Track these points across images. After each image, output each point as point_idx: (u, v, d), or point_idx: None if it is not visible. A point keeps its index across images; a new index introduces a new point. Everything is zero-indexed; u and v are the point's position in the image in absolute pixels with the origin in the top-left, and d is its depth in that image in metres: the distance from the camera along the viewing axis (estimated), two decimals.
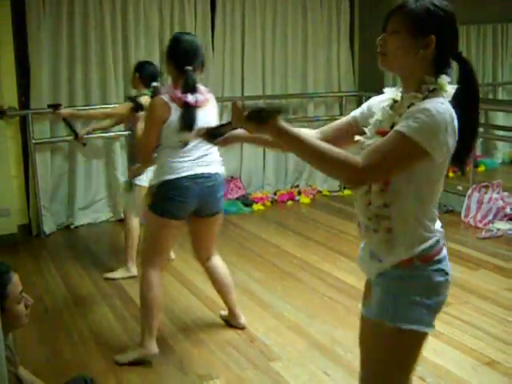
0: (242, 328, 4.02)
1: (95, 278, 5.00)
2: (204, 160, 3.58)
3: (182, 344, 3.83)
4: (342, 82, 7.78)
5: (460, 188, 6.88)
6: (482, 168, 7.62)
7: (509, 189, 6.37)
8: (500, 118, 7.44)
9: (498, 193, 6.31)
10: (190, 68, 3.50)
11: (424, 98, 1.92)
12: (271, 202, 7.21)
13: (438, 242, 2.12)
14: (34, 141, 6.02)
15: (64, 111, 5.32)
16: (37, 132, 6.08)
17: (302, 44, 7.49)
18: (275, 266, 5.18)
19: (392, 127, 1.92)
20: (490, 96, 7.75)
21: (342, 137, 2.22)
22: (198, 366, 3.54)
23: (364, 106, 2.22)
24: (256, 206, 6.99)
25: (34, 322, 4.06)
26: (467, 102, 1.99)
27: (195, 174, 3.51)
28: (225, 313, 4.12)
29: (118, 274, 4.98)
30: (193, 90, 3.50)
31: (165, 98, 3.48)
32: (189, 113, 3.45)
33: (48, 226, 6.21)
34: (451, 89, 1.97)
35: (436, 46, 1.96)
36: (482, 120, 7.26)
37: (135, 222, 4.94)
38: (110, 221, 6.60)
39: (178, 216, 3.56)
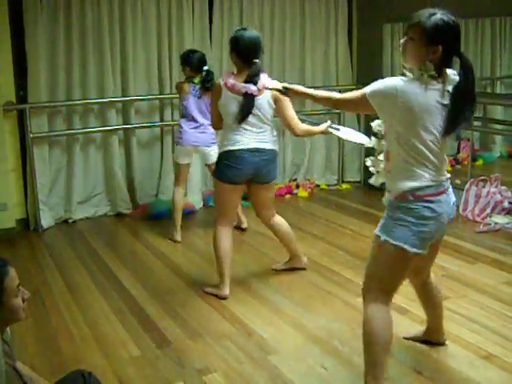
0: (304, 268, 4.88)
1: (93, 271, 5.01)
2: (260, 138, 4.31)
3: (179, 338, 3.83)
4: (339, 75, 7.77)
5: (458, 182, 6.88)
6: (479, 162, 7.63)
7: (507, 183, 6.38)
8: (498, 112, 7.45)
9: (495, 187, 6.33)
10: (256, 61, 4.20)
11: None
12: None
13: (430, 186, 2.84)
14: (31, 135, 6.00)
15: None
16: (34, 126, 6.06)
17: (300, 38, 7.47)
18: (272, 260, 5.18)
19: None
20: (489, 90, 7.76)
21: None
22: (196, 360, 3.55)
23: None
24: None
25: (32, 316, 4.08)
26: (466, 88, 2.76)
27: (253, 148, 4.28)
28: (280, 264, 4.96)
29: None
30: (256, 80, 4.18)
31: (221, 82, 4.26)
32: (248, 101, 4.18)
33: (46, 221, 6.21)
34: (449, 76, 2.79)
35: (442, 52, 2.72)
36: (480, 114, 7.28)
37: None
38: (108, 215, 6.60)
39: (234, 181, 4.31)
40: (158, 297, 4.47)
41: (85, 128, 6.42)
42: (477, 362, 3.47)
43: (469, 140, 7.11)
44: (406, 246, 2.85)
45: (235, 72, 4.29)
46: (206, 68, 5.62)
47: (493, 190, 6.28)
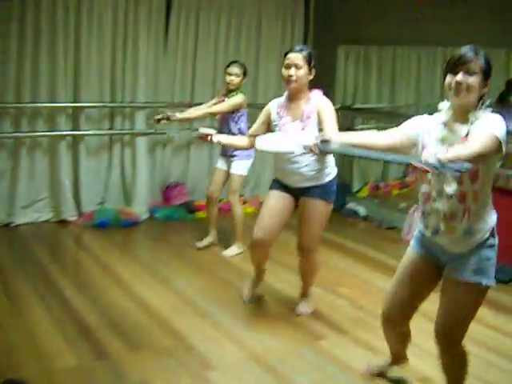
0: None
1: (33, 278, 4.92)
2: None
3: (118, 349, 3.79)
4: None
5: (403, 206, 7.02)
6: None
7: None
8: None
9: None
10: None
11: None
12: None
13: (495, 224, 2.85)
14: None
15: (179, 116, 5.67)
16: None
17: (255, 57, 7.54)
18: (216, 275, 5.19)
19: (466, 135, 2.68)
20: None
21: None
22: (134, 373, 3.52)
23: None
24: (199, 214, 6.97)
25: None
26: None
27: None
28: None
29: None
30: None
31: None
32: None
33: None
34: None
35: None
36: None
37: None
38: (50, 221, 6.50)
39: None
40: (98, 308, 4.41)
41: (32, 132, 6.33)
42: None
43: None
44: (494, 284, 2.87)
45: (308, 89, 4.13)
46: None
47: None
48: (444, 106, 2.84)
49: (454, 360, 3.08)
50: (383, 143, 2.93)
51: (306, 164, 4.06)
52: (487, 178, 2.74)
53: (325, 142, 2.93)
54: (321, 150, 2.96)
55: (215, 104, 5.72)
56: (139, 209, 6.72)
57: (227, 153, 5.65)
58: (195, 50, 7.13)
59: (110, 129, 6.74)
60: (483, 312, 4.60)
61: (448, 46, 6.92)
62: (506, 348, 4.08)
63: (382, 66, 7.88)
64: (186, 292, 4.78)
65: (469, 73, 2.66)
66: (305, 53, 4.05)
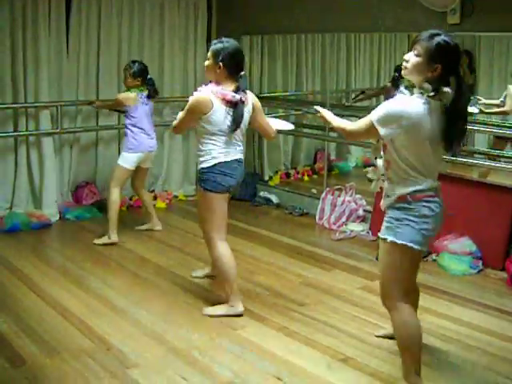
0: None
1: None
2: (241, 148, 4.36)
3: (35, 356, 3.72)
4: (198, 86, 7.81)
5: (314, 191, 7.15)
6: (335, 172, 7.93)
7: (361, 191, 6.67)
8: None
9: (350, 195, 6.61)
10: (243, 73, 4.24)
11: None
12: (127, 208, 7.15)
13: (423, 190, 3.07)
14: None
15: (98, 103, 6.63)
16: None
17: (159, 50, 7.49)
18: (130, 272, 5.16)
19: None
20: (344, 102, 8.08)
21: None
22: (53, 378, 3.46)
23: None
24: None
25: None
26: (461, 106, 3.01)
27: (239, 158, 4.34)
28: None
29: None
30: (244, 91, 4.21)
31: (210, 95, 4.15)
32: (239, 111, 4.15)
33: None
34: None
35: (441, 71, 2.96)
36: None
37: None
38: None
39: (230, 190, 4.30)
40: (12, 314, 4.30)
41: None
42: (334, 365, 3.63)
43: (325, 150, 7.38)
44: (411, 245, 3.07)
45: (218, 84, 4.20)
46: (149, 76, 6.06)
47: (348, 198, 6.56)
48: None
49: (394, 326, 3.30)
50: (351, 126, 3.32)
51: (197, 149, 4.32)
52: (394, 152, 3.09)
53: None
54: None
55: None
56: (49, 211, 6.58)
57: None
58: (98, 46, 7.00)
59: (14, 131, 6.55)
60: None
61: (351, 33, 7.15)
62: None
63: (287, 55, 7.97)
64: (102, 291, 4.73)
65: (414, 53, 2.99)
66: (210, 47, 4.27)
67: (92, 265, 5.29)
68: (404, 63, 3.04)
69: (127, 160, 5.91)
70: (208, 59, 4.22)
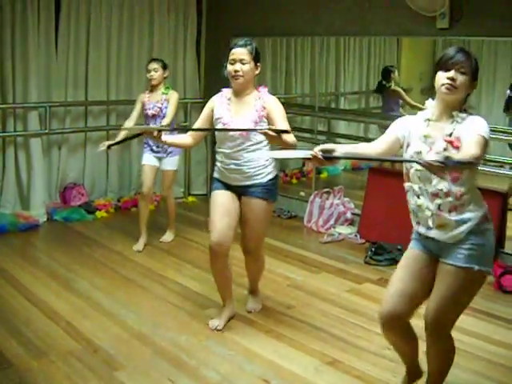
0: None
1: None
2: None
3: (21, 358, 3.70)
4: (187, 89, 7.85)
5: (302, 194, 7.16)
6: (324, 175, 7.92)
7: (350, 194, 6.70)
8: (342, 127, 7.77)
9: (339, 198, 6.62)
10: None
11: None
12: (115, 209, 7.14)
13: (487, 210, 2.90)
14: None
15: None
16: None
17: (148, 51, 7.47)
18: (118, 274, 5.15)
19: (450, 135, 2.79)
20: (333, 105, 8.08)
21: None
22: (40, 381, 3.44)
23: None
24: (99, 214, 6.89)
25: None
26: None
27: None
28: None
29: None
30: None
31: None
32: None
33: None
34: None
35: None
36: (325, 128, 7.60)
37: None
38: None
39: None
40: None
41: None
42: (322, 368, 3.64)
43: None
44: (491, 270, 2.92)
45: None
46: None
47: (336, 201, 6.58)
48: (430, 103, 2.94)
49: (440, 351, 3.07)
50: (377, 151, 2.99)
51: (246, 160, 3.96)
52: (472, 177, 2.86)
53: (327, 151, 2.86)
54: (325, 158, 2.91)
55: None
56: (37, 212, 6.56)
57: (162, 150, 5.75)
58: (87, 47, 6.99)
59: (2, 131, 6.52)
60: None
61: (341, 36, 7.16)
62: None
63: (277, 58, 7.97)
64: (90, 293, 4.72)
65: (460, 72, 2.79)
66: (249, 47, 3.96)
67: (80, 266, 5.27)
68: (449, 82, 2.78)
69: (177, 163, 5.95)
70: (246, 62, 3.93)
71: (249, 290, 4.55)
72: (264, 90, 4.02)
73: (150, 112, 5.72)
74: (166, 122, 5.57)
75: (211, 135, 6.91)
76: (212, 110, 4.07)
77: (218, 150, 4.06)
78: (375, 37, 6.79)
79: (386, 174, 6.15)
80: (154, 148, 5.75)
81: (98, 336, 3.99)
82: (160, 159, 5.80)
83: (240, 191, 4.05)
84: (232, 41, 7.47)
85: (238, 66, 3.89)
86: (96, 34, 7.00)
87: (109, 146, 5.37)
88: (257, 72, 3.98)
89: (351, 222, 6.52)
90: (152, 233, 6.07)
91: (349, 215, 6.53)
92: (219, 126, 3.98)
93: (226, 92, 4.08)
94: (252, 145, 3.92)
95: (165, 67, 5.79)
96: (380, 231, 5.90)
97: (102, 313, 4.38)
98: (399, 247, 5.45)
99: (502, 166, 5.68)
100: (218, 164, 4.10)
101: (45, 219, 6.63)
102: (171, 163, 5.82)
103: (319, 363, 3.69)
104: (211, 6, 7.90)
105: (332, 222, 6.48)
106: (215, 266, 4.05)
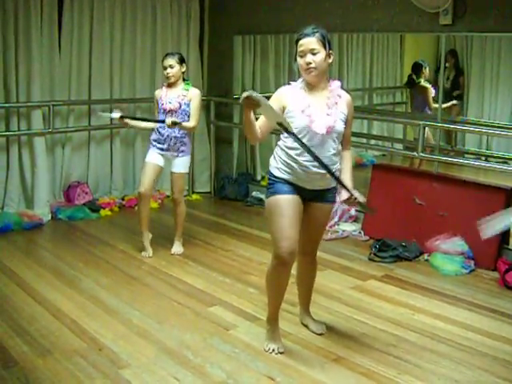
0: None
1: None
2: None
3: (27, 356, 3.70)
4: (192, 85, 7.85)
5: None
6: None
7: None
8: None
9: None
10: None
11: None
12: (119, 208, 7.15)
13: None
14: None
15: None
16: None
17: (151, 49, 7.48)
18: (123, 272, 5.15)
19: None
20: None
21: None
22: (45, 379, 3.45)
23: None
24: (103, 212, 6.90)
25: None
26: None
27: None
28: None
29: None
30: None
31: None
32: None
33: None
34: None
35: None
36: None
37: None
38: None
39: None
40: (3, 314, 4.29)
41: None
42: (326, 365, 3.63)
43: None
44: None
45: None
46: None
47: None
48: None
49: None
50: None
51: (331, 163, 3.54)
52: None
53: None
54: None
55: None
56: (41, 210, 6.57)
57: (172, 149, 5.40)
58: (90, 46, 7.00)
59: (5, 130, 6.53)
60: (391, 290, 4.78)
61: (343, 32, 7.15)
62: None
63: (279, 55, 7.97)
64: (94, 291, 4.72)
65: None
66: (318, 35, 3.43)
67: (84, 265, 5.28)
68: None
69: (188, 164, 5.61)
70: (317, 51, 3.42)
71: (303, 307, 4.20)
72: (338, 85, 3.60)
73: (167, 106, 5.32)
74: (192, 124, 5.31)
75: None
76: (282, 104, 3.52)
77: (293, 146, 3.52)
78: (378, 33, 6.77)
79: (389, 171, 6.16)
80: (165, 146, 5.38)
81: (103, 334, 3.99)
82: (169, 159, 5.45)
83: (312, 195, 3.65)
84: (235, 38, 7.59)
85: (309, 58, 3.40)
86: (99, 33, 7.00)
87: (122, 117, 5.32)
88: (330, 61, 3.48)
89: (355, 219, 6.52)
90: (155, 231, 6.07)
91: (353, 212, 6.52)
92: (290, 120, 3.45)
93: (296, 85, 3.58)
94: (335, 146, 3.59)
95: (182, 61, 5.39)
96: (384, 228, 5.90)
97: (107, 311, 4.39)
98: (403, 243, 5.46)
99: (506, 163, 5.67)
100: (293, 164, 3.53)
101: (49, 218, 6.64)
102: (183, 164, 5.45)
103: (324, 360, 3.69)
104: (214, 4, 7.90)
105: (336, 219, 6.48)
106: (283, 275, 3.71)
